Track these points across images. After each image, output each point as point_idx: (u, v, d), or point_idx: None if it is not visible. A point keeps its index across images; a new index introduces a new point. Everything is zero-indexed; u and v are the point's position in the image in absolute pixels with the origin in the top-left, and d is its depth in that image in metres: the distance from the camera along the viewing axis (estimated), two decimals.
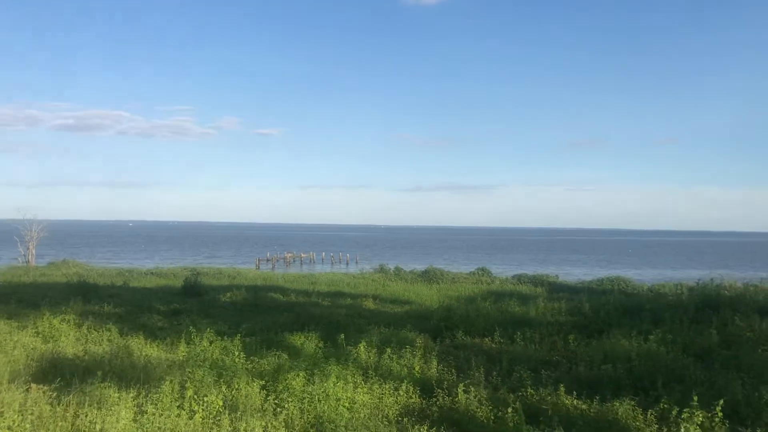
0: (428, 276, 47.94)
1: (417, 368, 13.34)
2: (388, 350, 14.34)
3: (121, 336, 16.43)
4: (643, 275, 65.96)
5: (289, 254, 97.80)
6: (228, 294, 30.32)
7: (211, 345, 14.38)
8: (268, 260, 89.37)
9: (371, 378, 12.07)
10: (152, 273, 49.08)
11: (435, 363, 13.73)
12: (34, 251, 63.86)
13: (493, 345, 17.15)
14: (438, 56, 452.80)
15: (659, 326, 17.90)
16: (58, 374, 10.61)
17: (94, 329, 16.89)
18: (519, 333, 17.74)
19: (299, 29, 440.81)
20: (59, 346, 13.95)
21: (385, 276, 48.90)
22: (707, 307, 19.79)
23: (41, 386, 8.87)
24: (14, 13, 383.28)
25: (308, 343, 16.06)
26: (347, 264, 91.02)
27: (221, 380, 10.67)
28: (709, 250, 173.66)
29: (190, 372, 11.01)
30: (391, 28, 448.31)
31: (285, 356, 13.49)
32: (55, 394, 8.76)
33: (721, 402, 9.36)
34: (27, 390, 8.89)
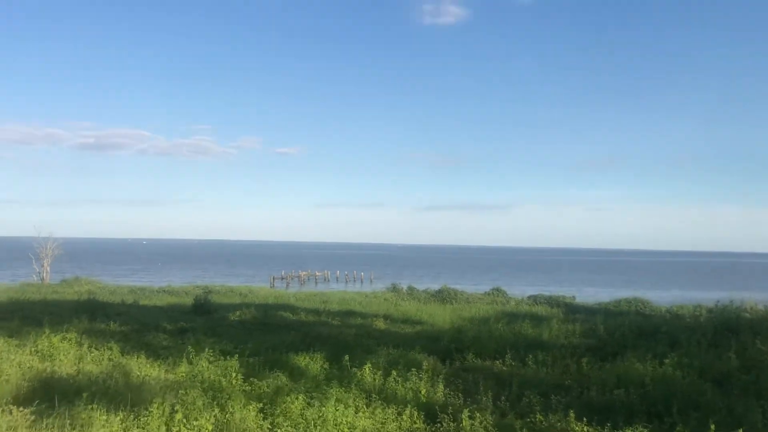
0: (442, 296, 47.45)
1: (423, 392, 12.88)
2: (394, 373, 13.90)
3: (122, 355, 16.07)
4: (663, 296, 64.82)
5: (304, 272, 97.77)
6: (237, 312, 29.99)
7: (210, 365, 14.01)
8: (282, 278, 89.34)
9: (375, 402, 11.65)
10: (164, 291, 48.98)
11: (441, 387, 13.26)
12: (48, 268, 64.18)
13: (504, 368, 16.63)
14: (454, 75, 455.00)
15: (676, 349, 17.33)
16: (48, 395, 10.26)
17: (95, 348, 16.55)
18: (531, 356, 17.22)
19: (318, 49, 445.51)
20: (56, 366, 13.63)
21: (397, 295, 48.47)
22: (726, 329, 19.18)
23: (23, 409, 8.51)
24: (36, 31, 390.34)
25: (313, 363, 15.65)
26: (361, 282, 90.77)
27: (215, 403, 10.27)
28: (731, 271, 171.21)
29: (183, 393, 10.62)
30: (409, 47, 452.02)
31: (284, 378, 13.09)
32: (33, 418, 8.41)
33: (740, 430, 8.86)
34: (9, 412, 8.55)
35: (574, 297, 50.39)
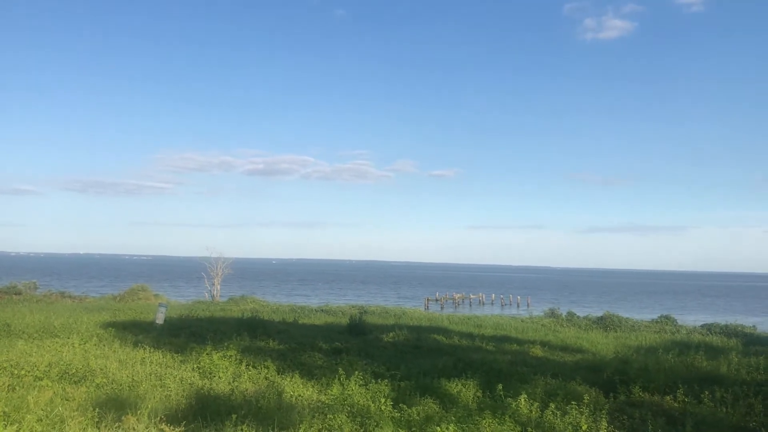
0: (604, 323, 44.95)
1: (584, 427, 11.83)
2: (552, 405, 12.97)
3: (278, 374, 16.35)
4: None
5: (458, 295, 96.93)
6: (391, 334, 29.94)
7: (360, 388, 13.81)
8: (436, 300, 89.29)
9: None
10: (322, 310, 50.28)
11: (605, 423, 12.15)
12: (219, 287, 68.22)
13: (676, 404, 15.06)
14: (620, 91, 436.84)
15: None
16: (202, 412, 10.46)
17: (253, 366, 16.98)
18: (707, 392, 15.50)
19: (473, 73, 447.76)
20: (213, 383, 14.03)
21: (556, 321, 46.57)
22: None
23: (174, 427, 8.65)
24: (217, 70, 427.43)
25: (465, 391, 15.03)
26: (517, 306, 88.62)
27: (362, 429, 9.96)
28: None
29: (331, 418, 10.42)
30: (570, 66, 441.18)
31: (435, 405, 12.59)
32: None
33: None
34: (161, 431, 8.72)
35: (755, 327, 45.84)
